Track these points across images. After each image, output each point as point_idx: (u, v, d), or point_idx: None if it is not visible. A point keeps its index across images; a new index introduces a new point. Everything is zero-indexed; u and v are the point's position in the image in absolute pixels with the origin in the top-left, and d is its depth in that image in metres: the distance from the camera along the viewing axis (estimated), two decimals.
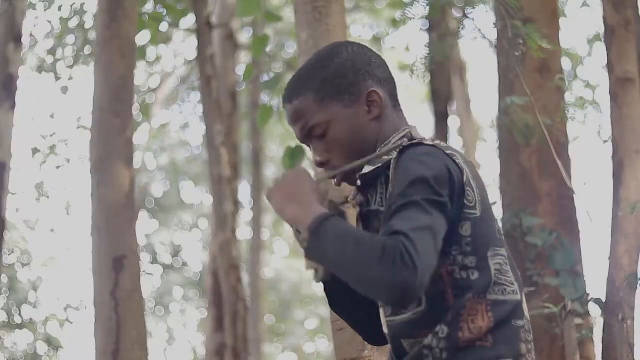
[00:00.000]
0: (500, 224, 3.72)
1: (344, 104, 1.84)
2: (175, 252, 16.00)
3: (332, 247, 1.64)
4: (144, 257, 15.08)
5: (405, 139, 1.82)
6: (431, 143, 1.77)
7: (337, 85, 1.84)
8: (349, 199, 1.91)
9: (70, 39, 7.54)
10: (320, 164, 1.88)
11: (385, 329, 1.83)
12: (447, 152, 1.75)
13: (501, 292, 1.73)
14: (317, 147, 1.87)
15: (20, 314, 10.68)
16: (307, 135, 1.87)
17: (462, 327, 1.68)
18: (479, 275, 1.71)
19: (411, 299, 1.59)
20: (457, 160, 1.73)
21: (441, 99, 8.02)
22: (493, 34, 4.15)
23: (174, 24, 7.48)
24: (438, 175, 1.68)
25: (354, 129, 1.84)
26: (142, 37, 6.92)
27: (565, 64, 8.98)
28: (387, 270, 1.55)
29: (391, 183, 1.73)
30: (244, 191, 12.50)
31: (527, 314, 1.78)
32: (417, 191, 1.65)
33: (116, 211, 3.69)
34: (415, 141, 1.78)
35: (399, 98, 1.92)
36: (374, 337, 1.96)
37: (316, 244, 1.67)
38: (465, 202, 1.72)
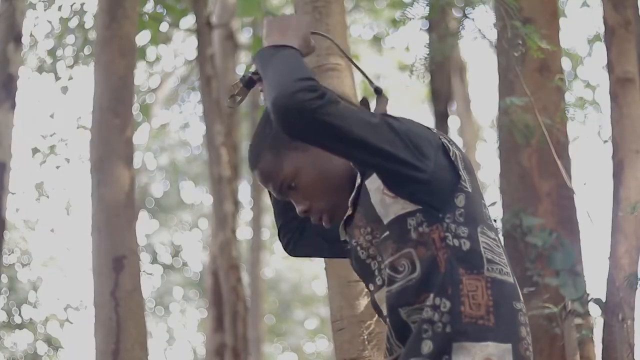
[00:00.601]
0: (500, 223, 3.73)
1: (300, 149, 1.87)
2: (175, 252, 16.00)
3: (281, 56, 1.75)
4: (144, 257, 15.07)
5: None
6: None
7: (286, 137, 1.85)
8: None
9: (70, 39, 7.54)
10: (304, 213, 1.91)
11: (382, 306, 1.84)
12: (434, 130, 1.84)
13: (498, 272, 1.76)
14: (296, 199, 1.91)
15: (20, 314, 10.68)
16: (283, 192, 1.91)
17: (464, 302, 1.71)
18: (470, 247, 1.75)
19: (300, 115, 1.65)
20: (443, 140, 1.82)
21: (441, 99, 8.02)
22: (493, 34, 4.14)
23: (174, 24, 7.48)
24: (415, 134, 1.78)
25: (321, 168, 1.88)
26: (142, 37, 6.93)
27: (565, 64, 8.97)
28: (298, 83, 1.65)
29: None
30: (244, 191, 12.50)
31: (522, 299, 1.81)
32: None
33: (116, 211, 3.69)
34: None
35: None
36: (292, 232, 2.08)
37: (271, 50, 1.78)
38: (460, 173, 1.79)
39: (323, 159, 1.87)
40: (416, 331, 1.72)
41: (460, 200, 1.77)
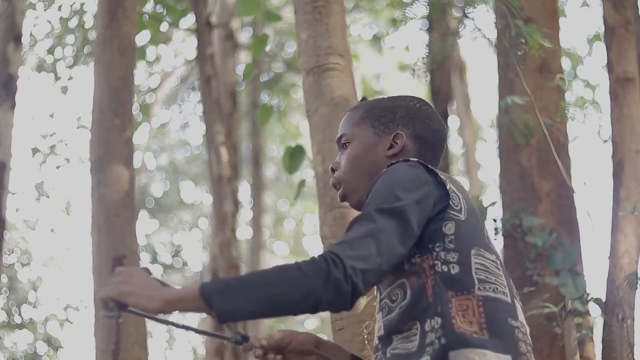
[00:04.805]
0: (500, 223, 3.72)
1: (375, 131, 2.04)
2: (175, 252, 15.99)
3: (249, 295, 1.66)
4: (144, 257, 15.07)
5: None
6: (414, 159, 1.91)
7: (381, 115, 2.05)
8: None
9: (70, 39, 7.54)
10: (332, 170, 2.09)
11: (378, 334, 1.89)
12: (429, 166, 1.90)
13: (492, 290, 1.79)
14: (340, 157, 2.09)
15: (20, 314, 10.67)
16: (338, 141, 2.10)
17: (455, 317, 1.74)
18: (459, 270, 1.79)
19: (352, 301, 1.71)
20: (439, 176, 1.88)
21: (441, 98, 8.01)
22: (493, 34, 4.14)
23: (174, 24, 7.48)
24: (406, 180, 1.83)
25: (368, 154, 2.03)
26: (142, 37, 6.94)
27: (565, 63, 8.98)
28: (326, 291, 1.68)
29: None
30: (244, 191, 12.50)
31: (522, 319, 1.83)
32: (373, 202, 1.80)
33: (116, 211, 3.69)
34: (400, 159, 1.92)
35: (431, 161, 2.03)
36: None
37: (225, 302, 1.65)
38: (451, 204, 1.84)
39: (376, 152, 2.03)
40: (419, 352, 1.75)
41: (449, 228, 1.83)
